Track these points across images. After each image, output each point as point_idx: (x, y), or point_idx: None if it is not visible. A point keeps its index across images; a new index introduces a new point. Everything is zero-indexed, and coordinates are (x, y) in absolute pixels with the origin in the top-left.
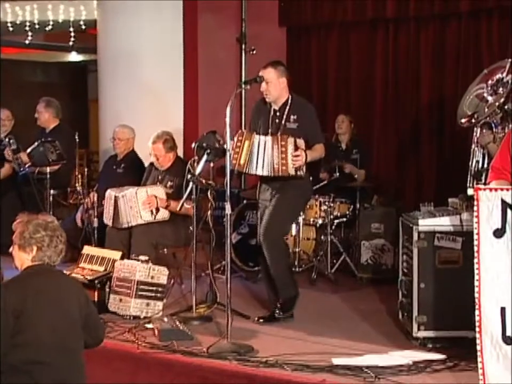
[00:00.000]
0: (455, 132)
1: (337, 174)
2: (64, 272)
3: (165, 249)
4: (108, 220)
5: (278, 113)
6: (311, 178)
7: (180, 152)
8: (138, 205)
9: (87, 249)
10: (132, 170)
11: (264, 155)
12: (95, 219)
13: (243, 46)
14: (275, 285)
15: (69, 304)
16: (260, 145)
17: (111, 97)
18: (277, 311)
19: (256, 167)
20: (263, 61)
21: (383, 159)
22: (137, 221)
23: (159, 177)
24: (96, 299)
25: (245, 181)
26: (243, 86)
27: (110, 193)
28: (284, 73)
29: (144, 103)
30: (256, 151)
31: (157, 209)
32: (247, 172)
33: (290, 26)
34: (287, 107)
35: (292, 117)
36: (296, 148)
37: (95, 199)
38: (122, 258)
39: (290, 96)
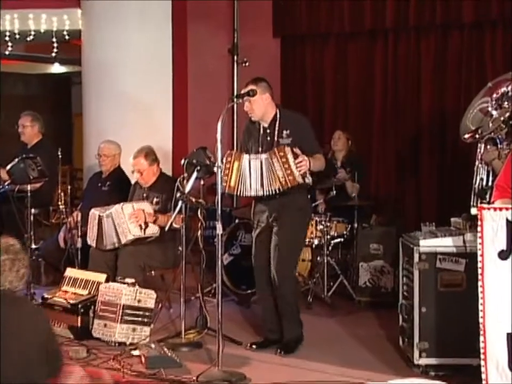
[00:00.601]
0: (458, 147)
1: (334, 192)
2: (45, 295)
3: (153, 271)
4: (91, 240)
5: (268, 131)
6: (309, 196)
7: (169, 169)
8: (126, 220)
9: (70, 272)
10: (118, 188)
11: (259, 174)
12: (79, 239)
13: (235, 57)
14: (279, 321)
15: (30, 336)
16: (252, 165)
17: (96, 111)
18: (279, 351)
19: (251, 188)
20: (256, 73)
21: (382, 176)
22: (127, 237)
23: (144, 195)
24: (79, 324)
25: (237, 199)
26: (235, 100)
27: (94, 212)
28: (267, 89)
29: (131, 117)
30: (248, 172)
31: (146, 224)
32: (240, 194)
33: (285, 36)
34: (277, 122)
35: (284, 132)
36: (296, 155)
37: (79, 218)
38: (107, 281)
39: (278, 111)
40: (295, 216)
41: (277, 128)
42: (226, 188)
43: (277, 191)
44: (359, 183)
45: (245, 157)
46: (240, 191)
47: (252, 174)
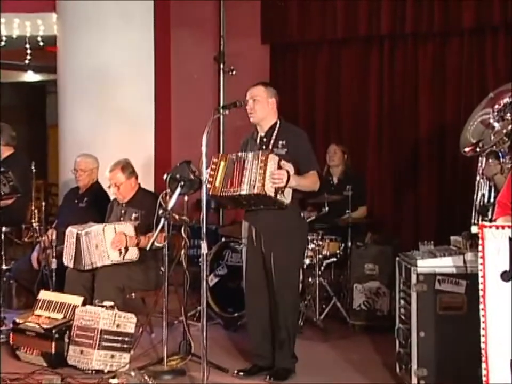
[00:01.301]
0: (458, 162)
1: (326, 208)
2: (17, 320)
3: (133, 294)
4: (68, 261)
5: (264, 139)
6: (302, 215)
7: (150, 184)
8: (105, 243)
9: (44, 294)
10: (96, 205)
11: (240, 172)
12: (53, 260)
13: (221, 66)
14: (270, 346)
15: None
16: (237, 162)
17: (73, 122)
18: (269, 378)
19: (231, 186)
20: (244, 82)
21: (377, 192)
22: (104, 262)
23: (122, 211)
24: (53, 351)
25: (223, 216)
26: (221, 111)
27: (71, 230)
28: (275, 95)
29: (110, 129)
30: (232, 170)
31: (126, 249)
32: (223, 194)
33: (274, 43)
34: (275, 131)
35: (280, 142)
36: (279, 167)
37: (54, 237)
38: (84, 304)
39: (278, 121)
40: (287, 237)
41: (273, 137)
42: (211, 190)
43: (245, 193)
44: (363, 204)
45: (232, 155)
46: (224, 191)
47: (235, 172)
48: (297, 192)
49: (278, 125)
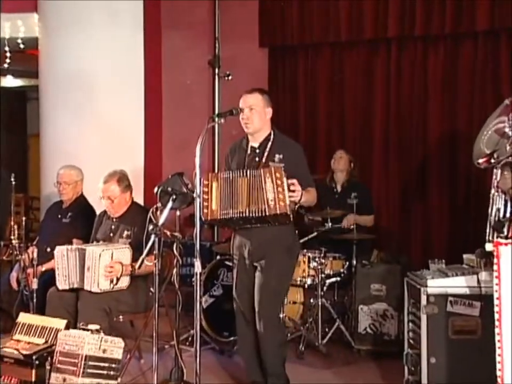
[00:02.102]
0: (471, 174)
1: (330, 224)
2: None
3: (120, 316)
4: (63, 282)
5: (257, 151)
6: (296, 232)
7: (140, 198)
8: (99, 270)
9: (24, 317)
10: (81, 220)
11: (244, 192)
12: (34, 280)
13: (216, 70)
14: (263, 369)
15: None
16: (234, 182)
17: (56, 130)
18: None
19: (232, 209)
20: (240, 87)
21: (384, 206)
22: (92, 288)
23: (112, 227)
24: (33, 379)
25: (218, 232)
26: (216, 119)
27: (60, 248)
28: (270, 103)
29: (96, 138)
30: (229, 190)
31: (117, 280)
32: (223, 217)
33: (273, 47)
34: (269, 143)
35: (277, 155)
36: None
37: (35, 255)
38: (67, 328)
39: (272, 132)
40: (282, 258)
41: (268, 150)
42: (208, 215)
43: (262, 214)
44: (369, 213)
45: (222, 174)
46: (223, 214)
47: (234, 192)
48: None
49: (272, 137)
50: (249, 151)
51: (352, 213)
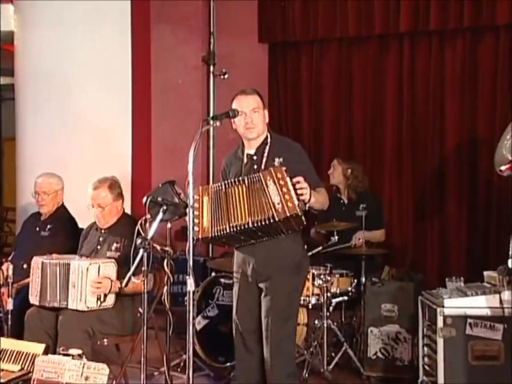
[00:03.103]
0: (492, 182)
1: (336, 238)
2: None
3: (105, 339)
4: (34, 297)
5: (255, 157)
6: (305, 247)
7: (127, 209)
8: (86, 286)
9: None
10: (62, 233)
11: (242, 201)
12: (10, 300)
13: (211, 68)
14: None
15: None
16: (228, 191)
17: (33, 134)
18: None
19: (229, 222)
20: (238, 87)
21: (396, 218)
22: (77, 306)
23: (100, 239)
24: None
25: (212, 247)
26: (211, 122)
27: (37, 259)
28: (265, 105)
29: (78, 143)
30: (223, 202)
31: (105, 296)
32: (217, 234)
33: (274, 43)
34: (267, 147)
35: (276, 159)
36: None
37: (10, 272)
38: (46, 352)
39: (269, 135)
40: (290, 277)
41: (266, 154)
42: (199, 233)
43: (271, 221)
44: (380, 226)
45: (213, 186)
46: (218, 231)
47: (229, 204)
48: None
49: (269, 140)
50: (245, 160)
51: (360, 230)
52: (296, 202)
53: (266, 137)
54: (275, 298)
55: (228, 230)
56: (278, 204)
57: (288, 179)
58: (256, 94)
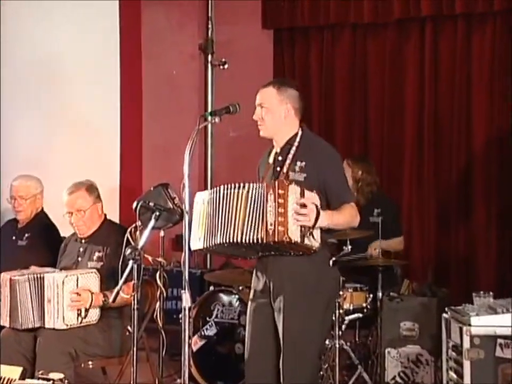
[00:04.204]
0: None
1: (349, 247)
2: None
3: (90, 362)
4: (4, 319)
5: (280, 158)
6: (331, 261)
7: (115, 215)
8: (63, 300)
9: None
10: (41, 242)
11: (247, 212)
12: None
13: (209, 57)
14: None
15: None
16: (228, 196)
17: (12, 132)
18: None
19: (223, 231)
20: (239, 78)
21: (417, 226)
22: (55, 325)
23: (80, 249)
24: None
25: (211, 258)
26: (209, 118)
27: (4, 276)
28: (291, 99)
29: (60, 142)
30: (218, 210)
31: (87, 312)
32: (210, 245)
33: (280, 29)
34: (293, 148)
35: (298, 163)
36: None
37: None
38: (22, 377)
39: (300, 133)
40: (304, 295)
41: (290, 156)
42: (194, 243)
43: (257, 242)
44: (398, 234)
45: (207, 193)
46: (210, 241)
47: (227, 210)
48: (328, 233)
49: (298, 138)
50: (271, 160)
51: (376, 238)
52: (291, 227)
53: (295, 136)
54: (288, 321)
55: (219, 241)
56: (271, 225)
57: (291, 198)
58: (273, 86)
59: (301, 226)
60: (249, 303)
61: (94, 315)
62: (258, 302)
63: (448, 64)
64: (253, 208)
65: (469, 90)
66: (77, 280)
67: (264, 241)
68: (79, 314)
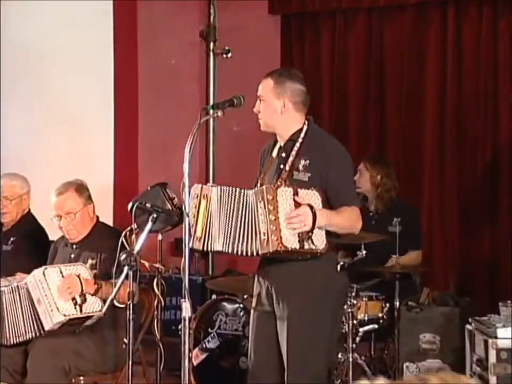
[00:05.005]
0: None
1: (363, 252)
2: None
3: (81, 378)
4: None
5: (283, 154)
6: (339, 264)
7: (108, 218)
8: (51, 293)
9: None
10: (28, 247)
11: (236, 220)
12: None
13: (211, 45)
14: None
15: None
16: (224, 202)
17: None
18: None
19: (218, 239)
20: (244, 67)
21: (438, 231)
22: (55, 319)
23: (72, 255)
24: None
25: (213, 263)
26: (211, 111)
27: None
28: (290, 93)
29: (47, 137)
30: (218, 214)
31: (83, 296)
32: (208, 248)
33: (288, 15)
34: (296, 145)
35: (302, 162)
36: (297, 203)
37: None
38: None
39: (305, 129)
40: (312, 302)
41: (294, 153)
42: (193, 241)
43: (254, 254)
44: (417, 247)
45: (214, 191)
46: (209, 244)
47: (227, 216)
48: (333, 235)
49: (302, 134)
50: (274, 154)
51: (394, 247)
52: (286, 234)
53: (299, 132)
54: (293, 330)
55: (218, 248)
56: (264, 234)
57: (281, 202)
58: (271, 78)
59: (299, 233)
60: (252, 311)
61: (95, 305)
62: (261, 310)
63: (472, 52)
64: (245, 217)
65: (496, 79)
66: (61, 272)
67: (260, 253)
68: (75, 304)
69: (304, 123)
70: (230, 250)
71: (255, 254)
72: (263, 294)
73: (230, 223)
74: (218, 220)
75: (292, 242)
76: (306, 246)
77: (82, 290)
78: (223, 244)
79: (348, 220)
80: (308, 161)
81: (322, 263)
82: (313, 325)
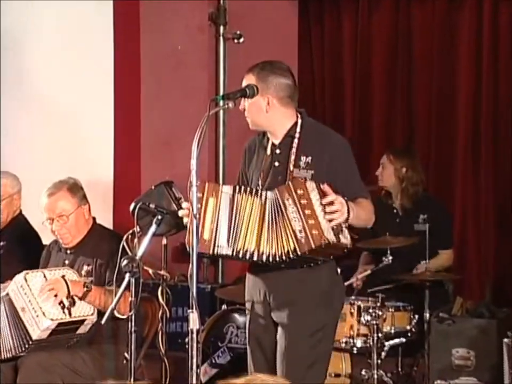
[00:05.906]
0: None
1: (390, 258)
2: None
3: None
4: None
5: (278, 151)
6: (339, 271)
7: (108, 220)
8: (35, 298)
9: None
10: (19, 251)
11: (254, 223)
12: None
13: (221, 30)
14: None
15: None
16: (238, 205)
17: None
18: None
19: (236, 243)
20: (257, 54)
21: (472, 234)
22: (41, 325)
23: (66, 261)
24: None
25: (223, 270)
26: (221, 102)
27: None
28: (274, 88)
29: (42, 132)
30: (228, 217)
31: (71, 299)
32: (217, 253)
33: None
34: (294, 140)
35: (303, 158)
36: (324, 194)
37: None
38: None
39: (300, 122)
40: (314, 309)
41: (293, 150)
42: (200, 244)
43: (291, 256)
44: (447, 246)
45: (225, 189)
46: (219, 249)
47: (240, 218)
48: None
49: (298, 128)
50: (269, 151)
51: (424, 248)
52: (325, 227)
53: (294, 126)
54: (293, 337)
55: (231, 253)
56: (301, 232)
57: (313, 195)
58: (252, 73)
59: (336, 225)
60: (247, 317)
61: (86, 309)
62: (259, 315)
63: (510, 38)
64: (272, 217)
65: None
66: (44, 276)
67: (298, 252)
68: (63, 307)
69: (298, 117)
70: (251, 257)
71: (290, 256)
72: (261, 299)
73: (245, 225)
74: (228, 221)
75: (332, 236)
76: (342, 240)
77: (69, 292)
78: (238, 249)
79: (369, 213)
80: (309, 158)
81: (325, 265)
82: (315, 332)
